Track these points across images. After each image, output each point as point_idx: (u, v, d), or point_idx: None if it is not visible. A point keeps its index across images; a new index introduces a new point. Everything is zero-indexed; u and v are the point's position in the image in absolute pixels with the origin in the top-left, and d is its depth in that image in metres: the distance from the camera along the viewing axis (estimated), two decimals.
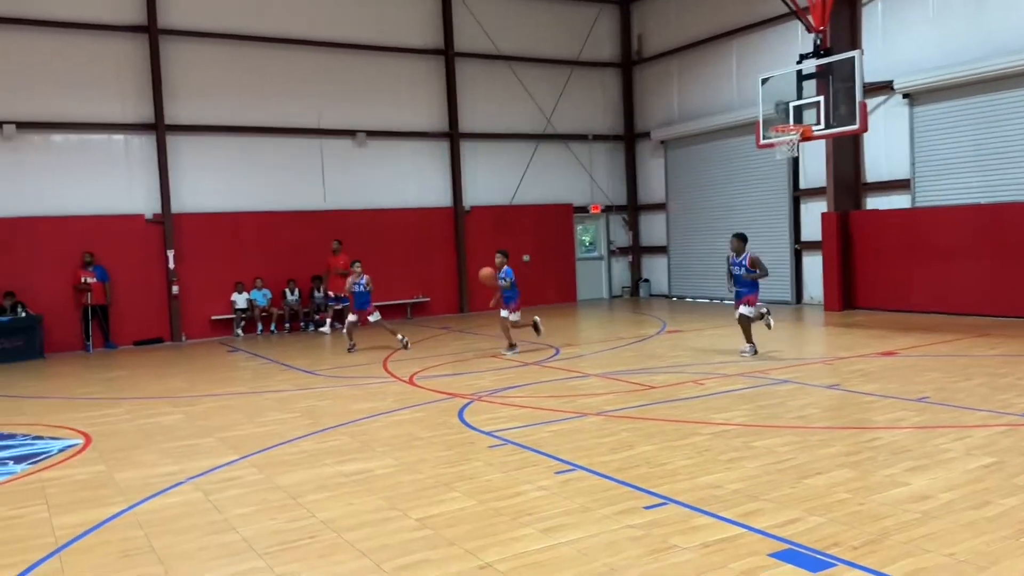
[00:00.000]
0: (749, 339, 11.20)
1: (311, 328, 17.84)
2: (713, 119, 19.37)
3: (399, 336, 13.68)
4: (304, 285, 17.96)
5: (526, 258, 20.22)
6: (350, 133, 18.63)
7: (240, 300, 17.32)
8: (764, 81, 13.87)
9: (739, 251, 11.09)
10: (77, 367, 13.82)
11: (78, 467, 6.99)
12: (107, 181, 16.20)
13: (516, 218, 20.59)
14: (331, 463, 6.65)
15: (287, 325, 17.81)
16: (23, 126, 15.36)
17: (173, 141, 16.72)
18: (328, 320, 17.38)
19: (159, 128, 16.48)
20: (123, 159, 16.42)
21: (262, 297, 17.44)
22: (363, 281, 13.74)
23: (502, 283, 12.26)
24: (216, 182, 17.24)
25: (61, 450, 7.63)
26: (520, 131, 20.76)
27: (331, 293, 17.40)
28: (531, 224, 20.60)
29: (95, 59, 16.01)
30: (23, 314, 14.89)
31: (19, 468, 7.00)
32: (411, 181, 19.48)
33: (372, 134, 18.86)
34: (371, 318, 13.72)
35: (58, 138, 15.87)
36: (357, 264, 13.93)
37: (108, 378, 12.46)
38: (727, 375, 9.78)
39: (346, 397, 9.70)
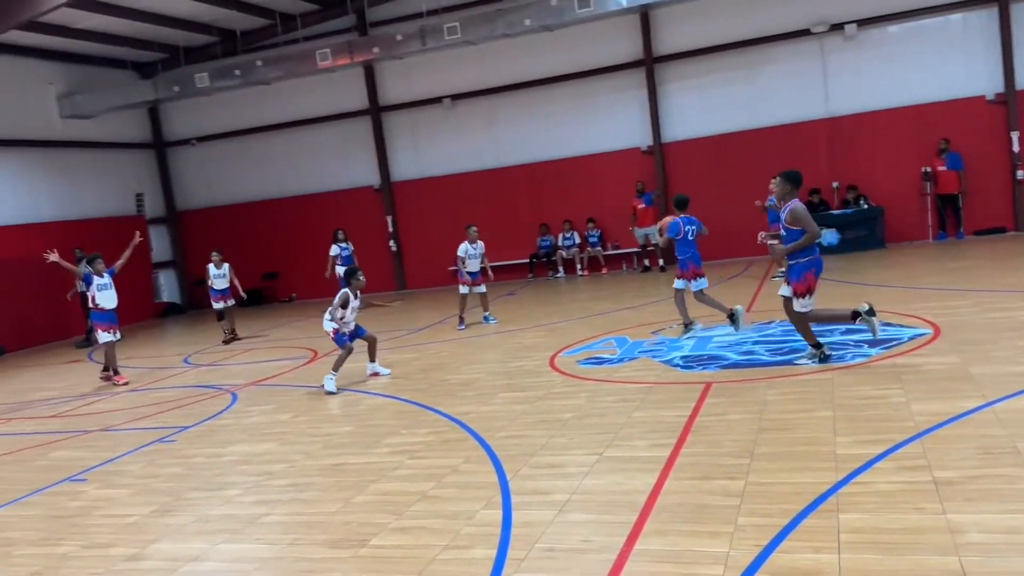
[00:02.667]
0: (811, 340, 7.36)
1: None
2: None
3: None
4: None
5: None
6: None
7: None
8: None
9: (780, 196, 7.31)
10: (917, 257, 14.03)
11: (930, 356, 7.11)
12: (943, 65, 15.62)
13: None
14: None
15: None
16: (863, 23, 15.94)
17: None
18: None
19: None
20: (959, 39, 15.55)
21: None
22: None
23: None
24: None
25: (911, 338, 7.87)
26: None
27: None
28: None
29: None
30: (865, 206, 15.80)
31: (873, 352, 7.51)
32: None
33: None
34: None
35: (894, 28, 15.96)
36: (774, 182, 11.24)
37: (951, 268, 12.31)
38: None
39: None
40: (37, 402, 10.64)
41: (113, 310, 10.96)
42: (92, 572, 4.63)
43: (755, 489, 4.58)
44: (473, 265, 12.31)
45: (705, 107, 17.15)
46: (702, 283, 9.51)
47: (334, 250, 16.11)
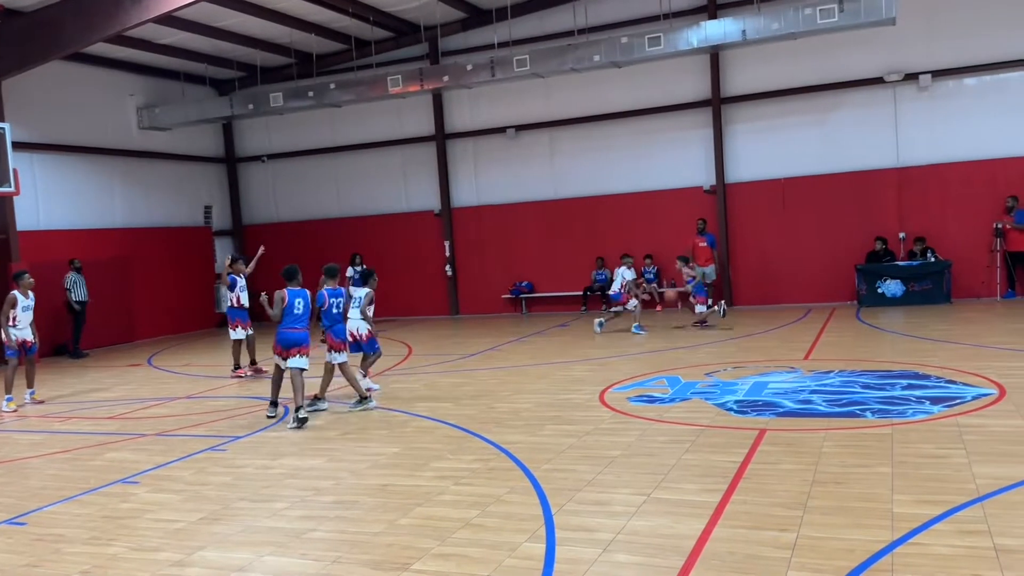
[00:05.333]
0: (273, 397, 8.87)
1: None
2: None
3: None
4: None
5: None
6: None
7: None
8: None
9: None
10: (983, 314, 13.61)
11: (993, 418, 6.88)
12: (1019, 120, 15.21)
13: None
14: None
15: None
16: (938, 74, 15.64)
17: None
18: None
19: None
20: None
21: None
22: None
23: None
24: None
25: (974, 397, 7.62)
26: None
27: None
28: None
29: None
30: (932, 259, 15.40)
31: (936, 409, 7.28)
32: None
33: None
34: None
35: (971, 81, 15.63)
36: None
37: (1019, 328, 11.88)
38: None
39: None
40: (96, 403, 10.95)
41: (248, 309, 12.20)
42: (139, 575, 4.71)
43: (807, 543, 4.45)
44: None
45: (772, 150, 16.98)
46: (341, 357, 9.19)
47: (349, 272, 17.59)
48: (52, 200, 17.11)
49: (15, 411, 10.43)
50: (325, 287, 9.21)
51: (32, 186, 16.05)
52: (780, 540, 4.50)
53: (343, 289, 9.39)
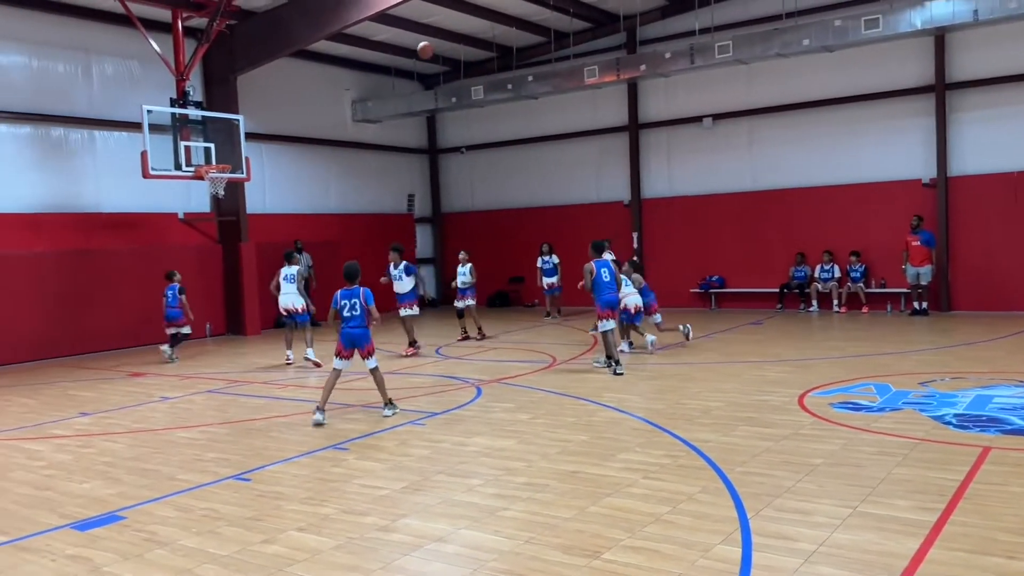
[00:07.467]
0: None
1: None
2: None
3: None
4: None
5: None
6: None
7: None
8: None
9: None
10: None
11: None
12: None
13: None
14: None
15: None
16: None
17: None
18: None
19: None
20: None
21: None
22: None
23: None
24: None
25: None
26: None
27: None
28: None
29: None
30: None
31: None
32: None
33: None
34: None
35: None
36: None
37: None
38: None
39: None
40: (309, 373, 11.86)
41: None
42: (348, 536, 5.05)
43: None
44: None
45: (1005, 140, 15.35)
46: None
47: (539, 262, 18.16)
48: (276, 186, 18.71)
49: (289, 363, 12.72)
50: (341, 289, 8.63)
51: (260, 173, 17.59)
52: (1007, 568, 4.09)
53: (360, 289, 8.56)
